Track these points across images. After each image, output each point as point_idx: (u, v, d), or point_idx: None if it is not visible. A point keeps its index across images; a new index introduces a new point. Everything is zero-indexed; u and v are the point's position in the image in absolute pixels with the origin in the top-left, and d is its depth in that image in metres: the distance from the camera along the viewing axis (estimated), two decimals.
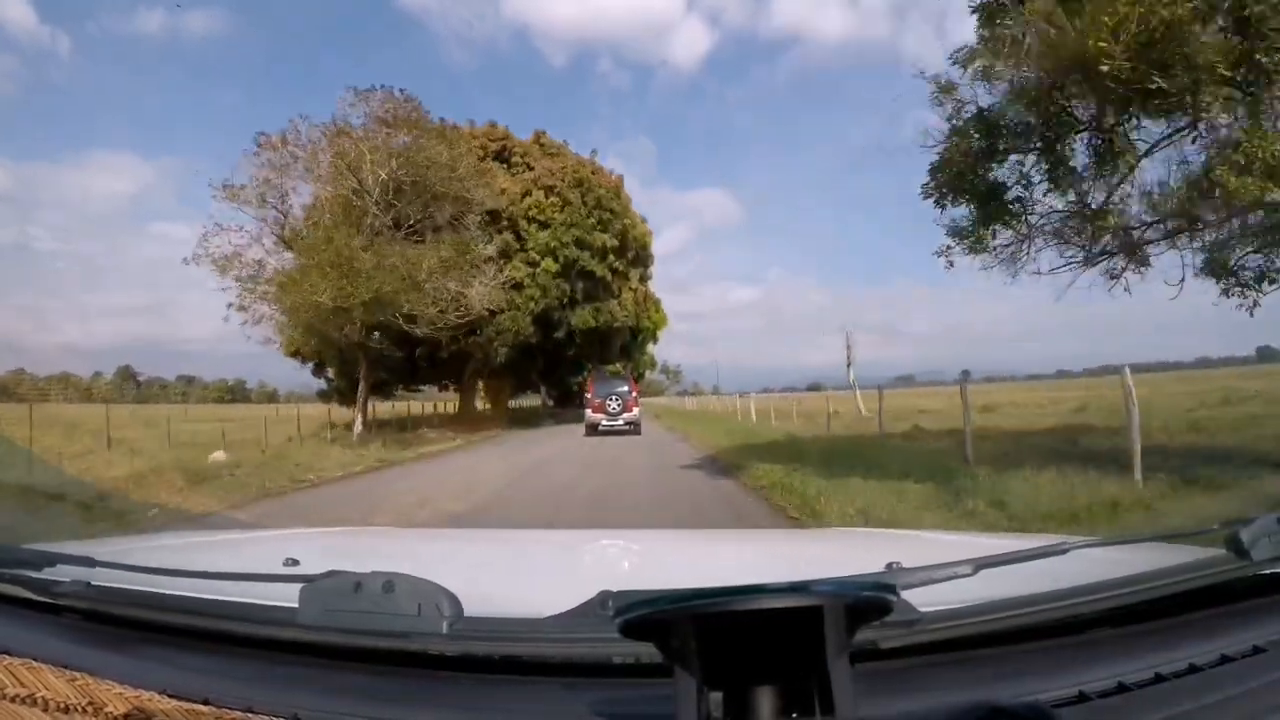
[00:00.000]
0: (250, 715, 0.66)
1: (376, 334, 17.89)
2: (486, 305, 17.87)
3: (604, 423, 18.30)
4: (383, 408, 21.76)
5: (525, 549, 1.64)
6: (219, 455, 12.12)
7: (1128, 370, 6.67)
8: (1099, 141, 6.63)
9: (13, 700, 0.68)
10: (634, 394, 18.95)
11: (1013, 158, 7.10)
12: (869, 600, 0.57)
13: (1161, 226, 7.11)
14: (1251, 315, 7.01)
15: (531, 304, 22.29)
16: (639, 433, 17.99)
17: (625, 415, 18.32)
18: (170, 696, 0.69)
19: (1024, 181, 7.18)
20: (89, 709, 0.68)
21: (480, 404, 29.32)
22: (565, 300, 23.70)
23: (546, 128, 27.54)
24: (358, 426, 17.15)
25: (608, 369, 26.55)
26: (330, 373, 23.55)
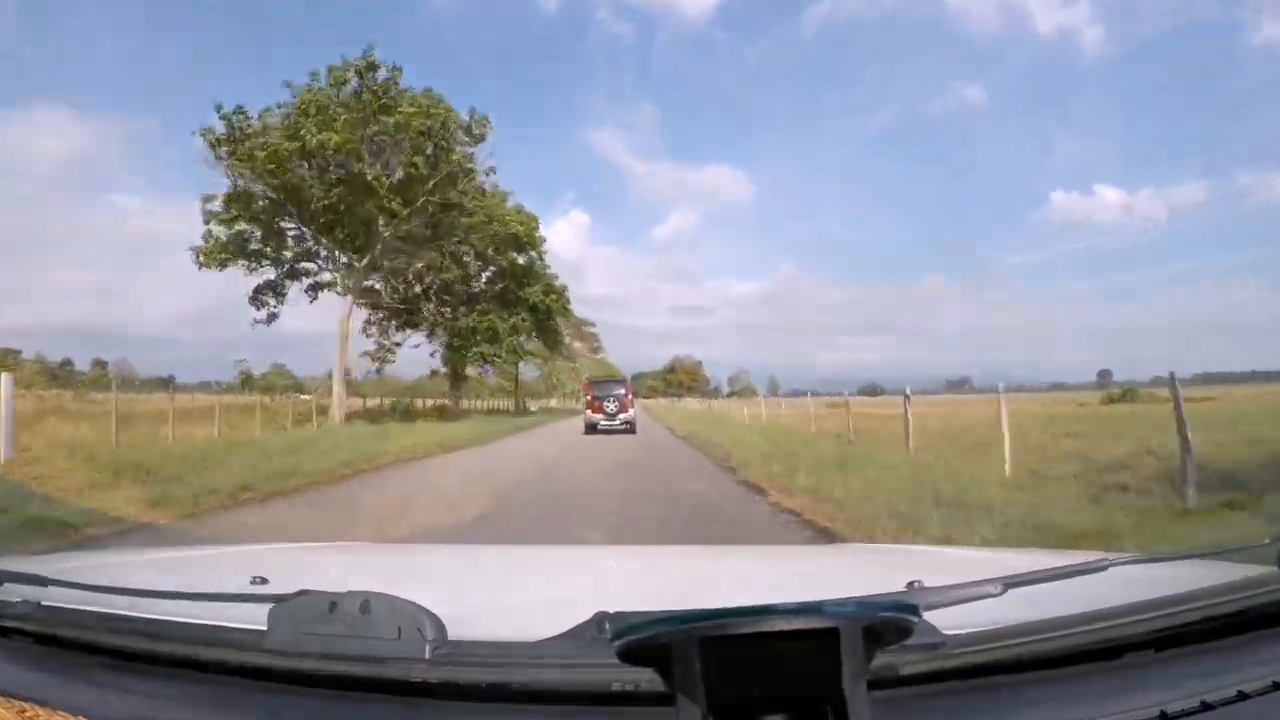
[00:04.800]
0: None
1: None
2: None
3: (602, 422, 20.42)
4: None
5: (514, 566, 1.58)
6: None
7: None
8: None
9: None
10: (629, 396, 21.59)
11: None
12: (888, 622, 0.55)
13: None
14: None
15: None
16: (634, 431, 19.77)
17: (622, 415, 20.59)
18: None
19: None
20: None
21: None
22: None
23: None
24: None
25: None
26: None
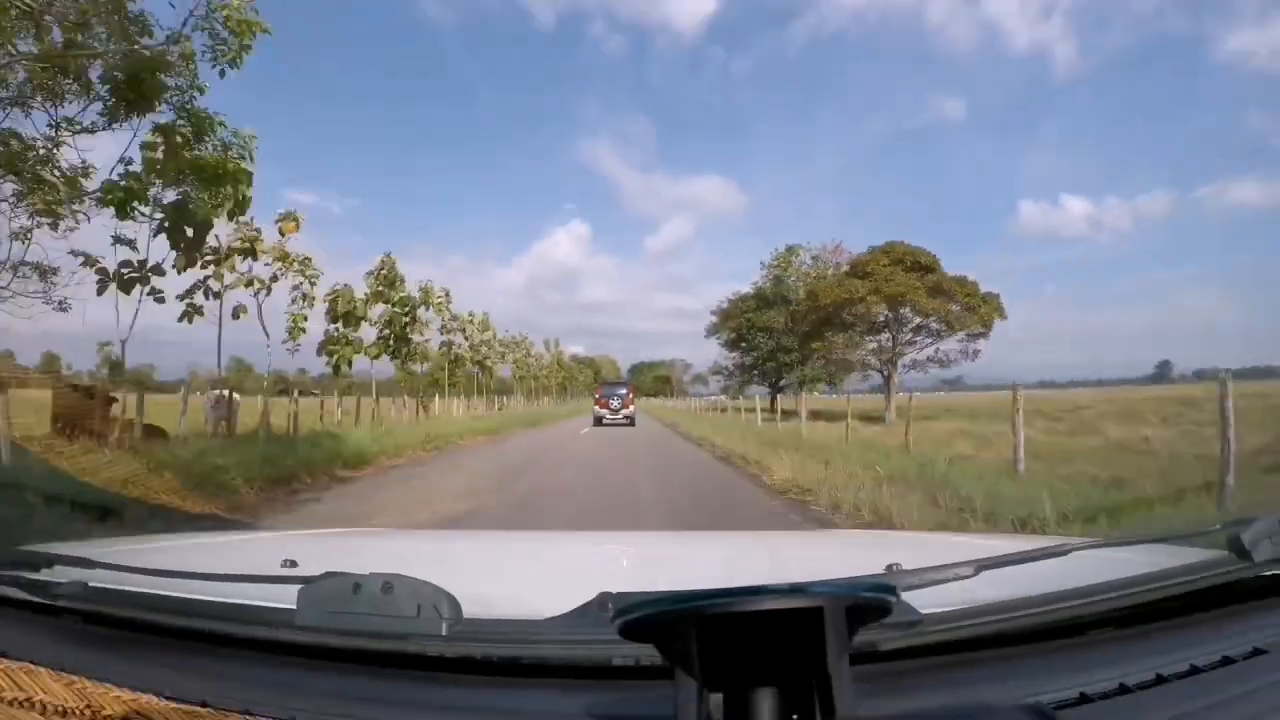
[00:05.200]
0: (249, 717, 0.66)
1: None
2: None
3: (607, 417, 24.64)
4: None
5: (524, 550, 1.64)
6: None
7: None
8: None
9: (10, 704, 0.68)
10: (630, 395, 26.08)
11: None
12: (869, 601, 0.57)
13: None
14: None
15: None
16: (634, 424, 23.84)
17: (624, 411, 24.95)
18: (168, 699, 0.69)
19: None
20: (86, 712, 0.67)
21: None
22: None
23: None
24: None
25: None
26: None
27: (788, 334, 38.00)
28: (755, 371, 42.20)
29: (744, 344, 42.31)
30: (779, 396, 37.12)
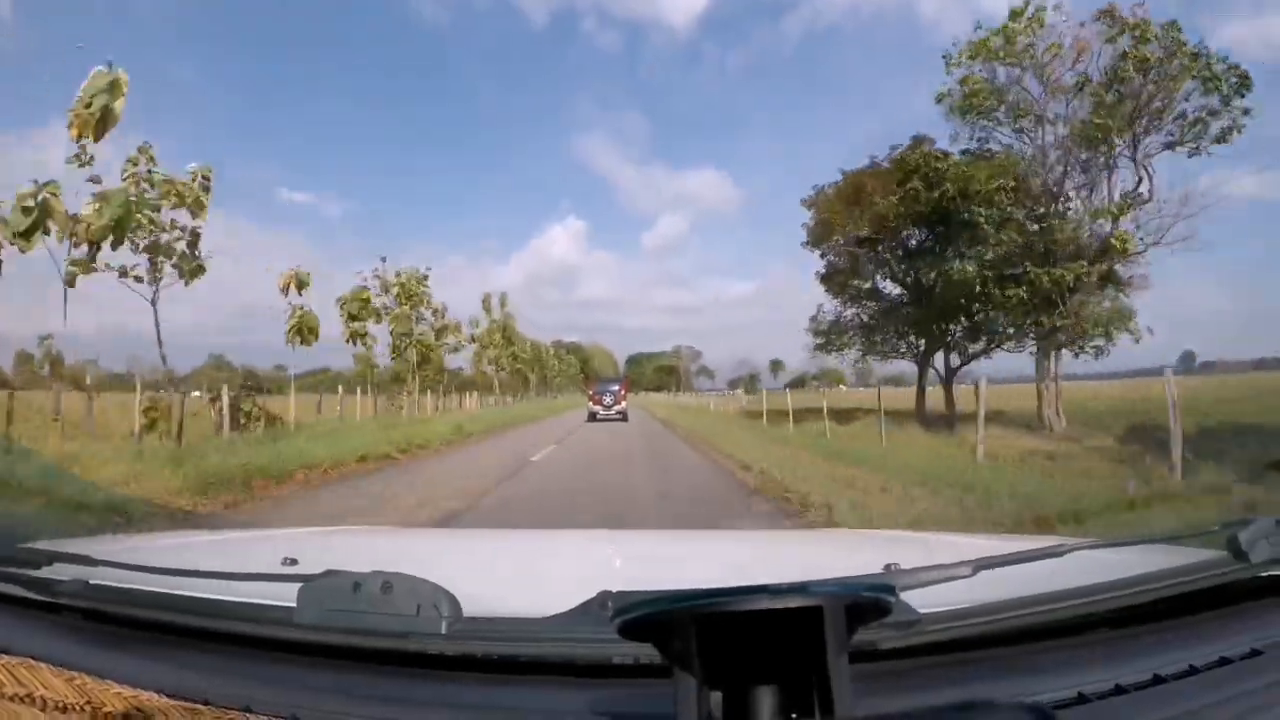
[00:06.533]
0: (249, 715, 0.66)
1: None
2: None
3: (600, 413, 25.43)
4: None
5: (524, 549, 1.64)
6: None
7: None
8: None
9: (11, 699, 0.68)
10: (624, 392, 26.72)
11: None
12: (868, 601, 0.57)
13: None
14: None
15: None
16: (626, 420, 24.51)
17: (616, 407, 25.71)
18: (169, 696, 0.69)
19: None
20: (87, 708, 0.68)
21: None
22: None
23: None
24: None
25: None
26: None
27: (1041, 214, 15.75)
28: (919, 324, 19.53)
29: (902, 251, 19.49)
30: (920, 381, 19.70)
